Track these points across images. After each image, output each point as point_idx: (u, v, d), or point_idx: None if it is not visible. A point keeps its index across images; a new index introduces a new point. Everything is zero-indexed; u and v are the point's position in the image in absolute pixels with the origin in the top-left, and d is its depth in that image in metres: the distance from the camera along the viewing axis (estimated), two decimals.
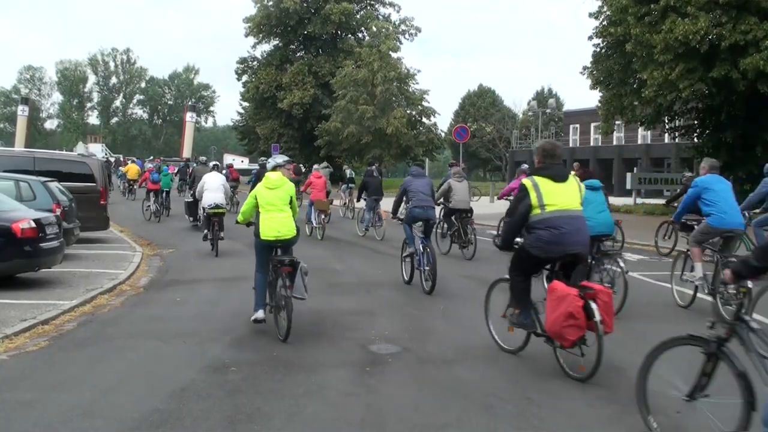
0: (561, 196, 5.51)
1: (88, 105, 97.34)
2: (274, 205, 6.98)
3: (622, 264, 7.51)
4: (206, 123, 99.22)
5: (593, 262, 7.43)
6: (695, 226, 8.26)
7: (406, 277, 9.82)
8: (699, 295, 8.04)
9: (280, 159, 7.56)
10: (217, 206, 12.97)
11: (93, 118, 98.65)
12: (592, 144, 49.28)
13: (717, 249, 7.88)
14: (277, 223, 6.93)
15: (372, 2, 47.62)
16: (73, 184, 13.18)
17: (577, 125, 51.24)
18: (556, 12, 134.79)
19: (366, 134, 37.05)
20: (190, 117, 72.14)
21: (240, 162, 47.05)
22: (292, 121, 45.18)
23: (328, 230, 16.13)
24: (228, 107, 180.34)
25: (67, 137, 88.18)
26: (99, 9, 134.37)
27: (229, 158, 53.64)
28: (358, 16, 46.54)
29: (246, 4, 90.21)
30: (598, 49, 23.06)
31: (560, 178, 5.58)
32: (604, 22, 22.25)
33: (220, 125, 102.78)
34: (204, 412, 4.67)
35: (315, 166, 20.71)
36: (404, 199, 10.17)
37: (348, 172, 24.24)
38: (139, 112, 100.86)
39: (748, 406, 3.57)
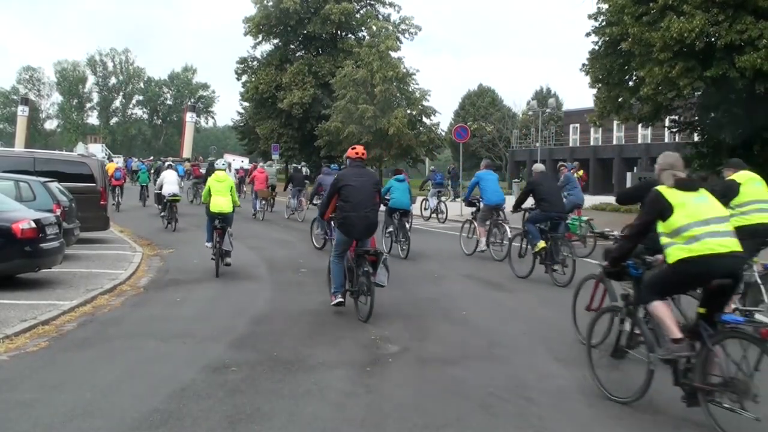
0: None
1: (88, 105, 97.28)
2: (219, 191, 10.98)
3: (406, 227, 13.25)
4: (206, 123, 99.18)
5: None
6: (476, 203, 12.91)
7: (317, 245, 13.04)
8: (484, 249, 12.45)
9: (221, 162, 12.69)
10: (174, 195, 17.38)
11: (93, 119, 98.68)
12: (592, 143, 49.31)
13: (492, 218, 12.40)
14: (220, 203, 10.89)
15: (372, 2, 47.58)
16: (73, 184, 13.18)
17: (577, 125, 51.24)
18: (556, 11, 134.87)
19: (366, 134, 36.99)
20: (190, 117, 72.02)
21: (240, 162, 46.92)
22: (292, 121, 45.11)
23: (267, 215, 21.27)
24: (228, 107, 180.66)
25: (67, 137, 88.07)
26: (97, 8, 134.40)
27: (229, 158, 53.57)
28: (357, 16, 46.48)
29: (246, 4, 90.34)
30: (596, 47, 23.06)
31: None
32: (603, 23, 22.25)
33: (220, 125, 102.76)
34: (204, 412, 4.68)
35: (260, 164, 25.65)
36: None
37: (304, 170, 26.63)
38: (139, 113, 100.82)
39: None
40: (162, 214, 18.05)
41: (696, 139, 24.50)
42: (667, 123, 26.02)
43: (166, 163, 21.91)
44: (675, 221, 4.43)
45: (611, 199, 28.76)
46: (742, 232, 6.02)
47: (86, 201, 13.21)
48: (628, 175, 31.05)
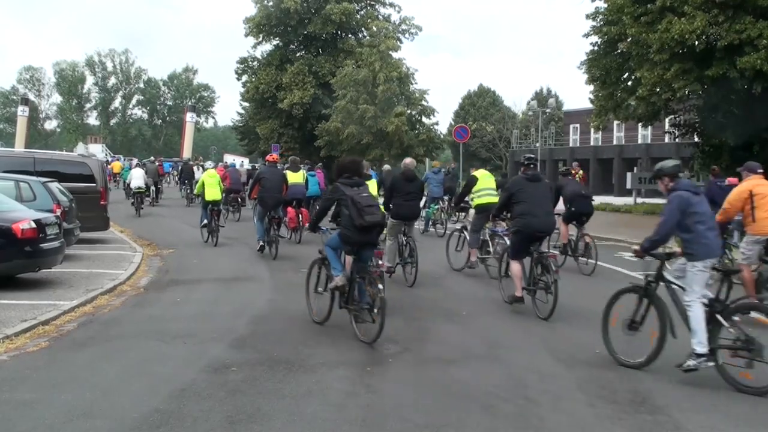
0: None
1: (87, 106, 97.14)
2: (211, 185, 14.45)
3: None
4: (207, 124, 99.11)
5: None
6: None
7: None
8: None
9: (209, 164, 17.99)
10: (139, 188, 21.93)
11: (92, 119, 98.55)
12: (592, 144, 49.31)
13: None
14: (212, 193, 14.35)
15: (372, 2, 47.58)
16: (73, 184, 13.17)
17: (578, 125, 51.24)
18: (557, 11, 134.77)
19: (367, 135, 36.96)
20: (190, 117, 72.05)
21: (240, 162, 46.96)
22: (293, 121, 45.09)
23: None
24: (228, 107, 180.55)
25: (67, 138, 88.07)
26: (97, 8, 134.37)
27: (229, 158, 53.58)
28: (358, 16, 46.49)
29: (246, 4, 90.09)
30: (595, 47, 23.04)
31: (295, 169, 14.51)
32: (601, 22, 22.23)
33: (220, 125, 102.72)
34: (204, 412, 4.68)
35: (221, 164, 27.68)
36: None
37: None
38: (139, 113, 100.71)
39: None
40: (132, 202, 22.31)
41: (697, 139, 24.52)
42: (667, 125, 26.04)
43: (134, 162, 29.46)
44: None
45: (611, 200, 28.87)
46: (478, 208, 10.52)
47: (86, 201, 13.20)
48: (628, 175, 31.00)
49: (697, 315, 5.49)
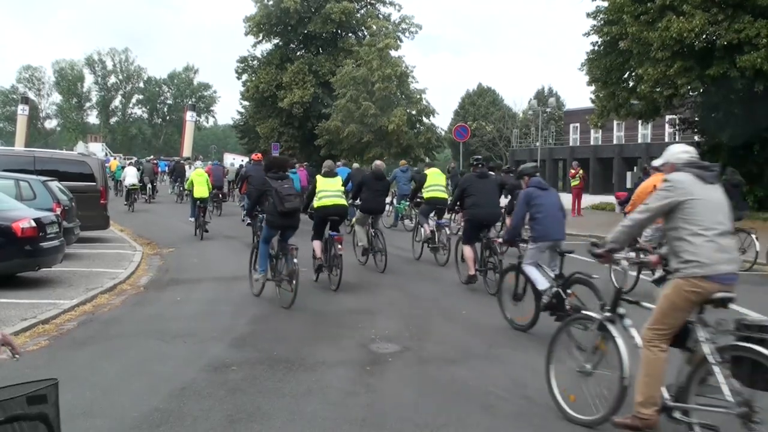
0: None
1: (87, 104, 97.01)
2: (200, 183, 15.98)
3: None
4: (207, 123, 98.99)
5: None
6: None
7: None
8: None
9: (198, 164, 19.52)
10: (132, 185, 23.71)
11: (92, 118, 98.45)
12: (592, 143, 49.28)
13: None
14: (200, 190, 15.79)
15: (372, 1, 47.54)
16: (73, 183, 13.18)
17: (578, 124, 51.19)
18: (556, 10, 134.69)
19: (367, 133, 36.92)
20: (190, 116, 72.01)
21: (240, 161, 46.90)
22: (293, 120, 45.07)
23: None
24: (228, 106, 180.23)
25: (67, 137, 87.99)
26: (97, 8, 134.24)
27: (229, 157, 53.62)
28: (358, 15, 46.45)
29: (246, 4, 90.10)
30: (595, 47, 23.02)
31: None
32: (602, 22, 22.21)
33: (220, 124, 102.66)
34: (204, 411, 4.68)
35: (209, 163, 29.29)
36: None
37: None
38: (139, 112, 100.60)
39: None
40: (125, 203, 23.74)
41: (696, 138, 24.51)
42: (667, 120, 26.04)
43: (127, 161, 33.00)
44: (318, 190, 9.48)
45: (611, 199, 28.84)
46: (427, 201, 12.28)
47: (86, 200, 13.21)
48: (628, 174, 31.01)
49: (529, 270, 6.90)
